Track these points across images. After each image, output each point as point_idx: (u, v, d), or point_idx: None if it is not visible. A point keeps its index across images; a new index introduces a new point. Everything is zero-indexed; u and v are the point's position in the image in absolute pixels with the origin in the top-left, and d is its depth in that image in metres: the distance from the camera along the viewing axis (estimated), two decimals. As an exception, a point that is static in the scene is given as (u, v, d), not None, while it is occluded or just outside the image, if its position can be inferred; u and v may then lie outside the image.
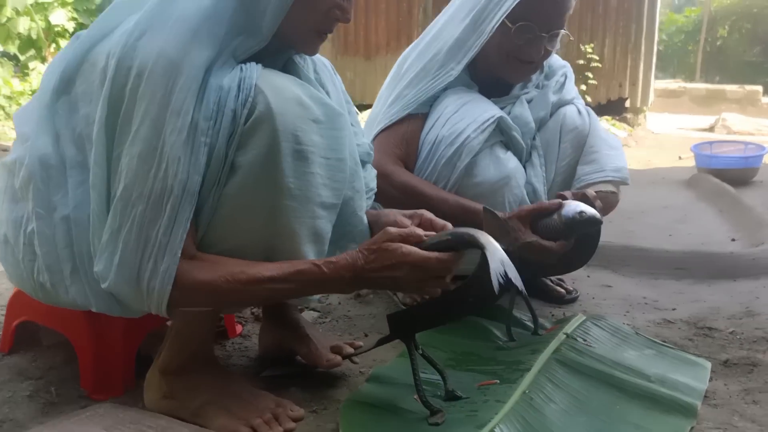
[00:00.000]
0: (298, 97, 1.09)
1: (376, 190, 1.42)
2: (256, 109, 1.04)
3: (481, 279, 1.12)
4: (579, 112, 1.70)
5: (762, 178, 4.23)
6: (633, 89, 7.49)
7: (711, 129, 8.07)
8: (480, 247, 1.09)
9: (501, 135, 1.64)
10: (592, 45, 7.44)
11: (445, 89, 1.64)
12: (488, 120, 1.57)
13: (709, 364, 1.46)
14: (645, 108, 7.65)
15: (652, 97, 7.75)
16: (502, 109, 1.66)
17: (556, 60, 1.80)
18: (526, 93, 1.72)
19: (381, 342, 1.27)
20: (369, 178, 1.40)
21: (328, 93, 1.30)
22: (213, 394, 1.19)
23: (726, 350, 1.55)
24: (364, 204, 1.33)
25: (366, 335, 1.63)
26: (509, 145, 1.66)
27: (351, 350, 1.36)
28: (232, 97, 1.04)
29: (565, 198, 1.47)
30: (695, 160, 4.38)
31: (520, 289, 1.07)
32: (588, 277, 2.15)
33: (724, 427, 1.19)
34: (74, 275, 1.12)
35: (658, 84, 12.95)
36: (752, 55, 15.19)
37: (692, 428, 1.18)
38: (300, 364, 1.41)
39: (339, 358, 1.33)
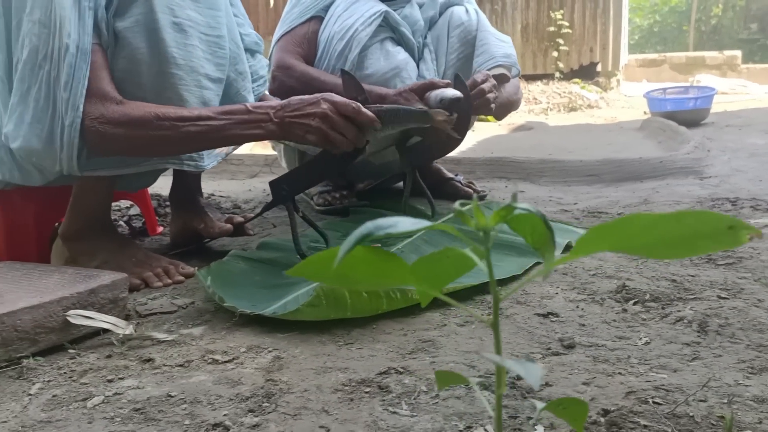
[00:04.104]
0: None
1: (266, 78, 1.54)
2: None
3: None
4: (466, 11, 1.82)
5: (713, 120, 4.33)
6: (604, 53, 7.58)
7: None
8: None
9: (391, 31, 1.76)
10: (561, 12, 7.53)
11: None
12: (374, 14, 1.70)
13: (584, 231, 1.58)
14: (617, 72, 7.73)
15: (624, 60, 7.83)
16: (395, 11, 1.77)
17: None
18: None
19: (266, 208, 1.40)
20: (258, 66, 1.52)
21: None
22: (109, 256, 1.32)
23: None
24: (249, 86, 1.45)
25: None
26: (401, 42, 1.77)
27: (241, 219, 1.48)
28: None
29: (461, 79, 1.56)
30: (648, 105, 4.48)
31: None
32: (506, 186, 2.27)
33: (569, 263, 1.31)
34: None
35: (640, 56, 13.01)
36: (748, 33, 15.16)
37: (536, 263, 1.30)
38: (204, 242, 1.53)
39: (229, 226, 1.45)
